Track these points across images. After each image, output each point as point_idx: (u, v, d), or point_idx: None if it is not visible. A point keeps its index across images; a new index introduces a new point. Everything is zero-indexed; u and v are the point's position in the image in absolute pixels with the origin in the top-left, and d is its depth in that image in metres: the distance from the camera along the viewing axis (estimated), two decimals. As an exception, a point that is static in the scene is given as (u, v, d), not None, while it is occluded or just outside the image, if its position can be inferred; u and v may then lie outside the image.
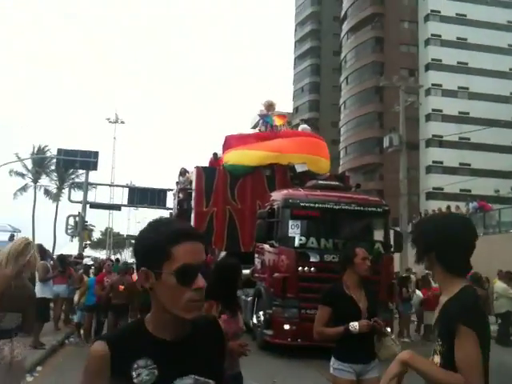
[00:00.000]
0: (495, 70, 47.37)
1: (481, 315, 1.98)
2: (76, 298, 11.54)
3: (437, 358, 1.97)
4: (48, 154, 47.95)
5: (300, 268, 9.75)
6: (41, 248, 11.11)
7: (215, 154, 15.39)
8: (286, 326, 9.55)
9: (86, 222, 33.83)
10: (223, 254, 13.19)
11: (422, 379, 2.00)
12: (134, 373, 1.40)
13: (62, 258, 12.60)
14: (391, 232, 10.97)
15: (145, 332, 1.47)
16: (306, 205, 10.18)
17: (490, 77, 47.46)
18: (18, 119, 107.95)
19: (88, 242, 40.47)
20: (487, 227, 22.75)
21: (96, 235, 74.44)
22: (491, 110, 44.36)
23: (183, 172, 17.67)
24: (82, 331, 10.98)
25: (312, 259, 9.80)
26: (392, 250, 10.80)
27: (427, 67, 49.72)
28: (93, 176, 35.83)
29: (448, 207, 23.52)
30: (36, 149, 50.44)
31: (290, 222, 10.10)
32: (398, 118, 24.06)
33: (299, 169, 13.32)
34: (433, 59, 49.36)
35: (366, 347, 3.71)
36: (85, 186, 34.50)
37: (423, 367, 1.95)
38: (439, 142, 45.54)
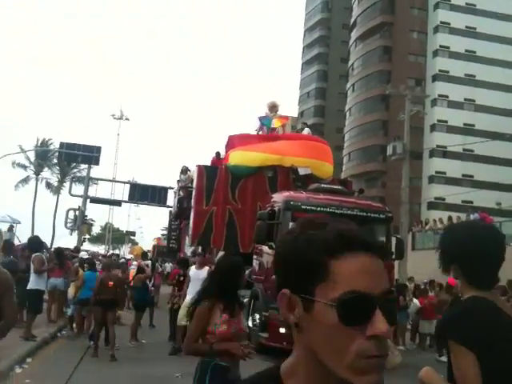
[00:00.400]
0: (502, 83, 47.42)
1: (478, 328, 1.76)
2: (70, 291, 11.42)
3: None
4: (51, 148, 48.01)
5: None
6: (37, 240, 11.02)
7: (218, 153, 15.31)
8: (282, 330, 9.41)
9: (86, 216, 33.79)
10: (221, 253, 13.07)
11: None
12: None
13: (60, 252, 12.50)
14: (393, 239, 10.84)
15: None
16: (308, 208, 10.02)
17: (497, 90, 47.57)
18: (21, 118, 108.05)
19: (87, 236, 40.41)
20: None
21: (96, 230, 74.61)
22: (496, 123, 44.35)
23: (184, 170, 17.61)
24: (74, 325, 10.93)
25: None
26: (393, 257, 10.67)
27: (434, 78, 49.75)
28: (95, 171, 35.86)
29: (449, 218, 23.37)
30: (40, 142, 50.64)
31: (291, 225, 9.97)
32: (402, 126, 23.91)
33: (302, 172, 13.20)
34: (440, 70, 49.41)
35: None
36: (86, 181, 34.51)
37: None
38: (443, 152, 45.55)
